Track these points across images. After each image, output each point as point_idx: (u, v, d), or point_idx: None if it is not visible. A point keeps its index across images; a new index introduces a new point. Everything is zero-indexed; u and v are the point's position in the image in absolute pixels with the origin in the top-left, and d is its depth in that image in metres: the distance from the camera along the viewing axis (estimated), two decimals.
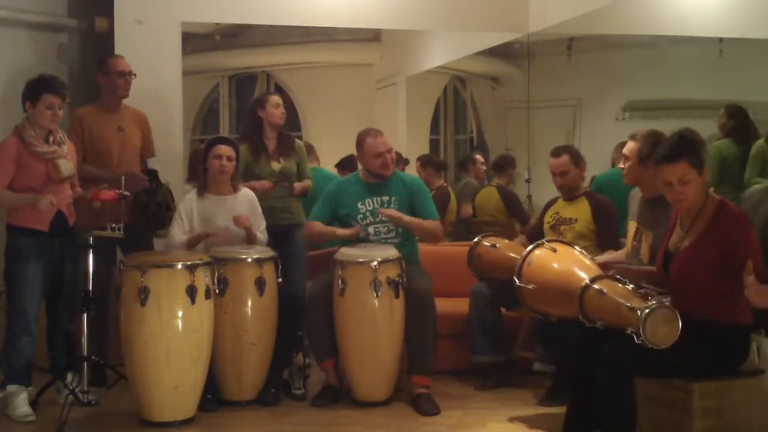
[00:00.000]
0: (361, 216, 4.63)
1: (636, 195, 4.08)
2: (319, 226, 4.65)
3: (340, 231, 4.60)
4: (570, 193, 4.66)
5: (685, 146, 3.36)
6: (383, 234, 4.63)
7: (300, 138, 5.58)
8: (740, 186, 4.90)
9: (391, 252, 4.42)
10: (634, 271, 3.65)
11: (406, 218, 4.56)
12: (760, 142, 5.10)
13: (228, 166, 4.57)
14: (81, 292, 4.37)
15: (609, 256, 4.24)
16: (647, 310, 3.15)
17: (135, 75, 5.00)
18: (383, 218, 4.59)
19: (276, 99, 5.10)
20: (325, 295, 4.44)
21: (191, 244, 4.51)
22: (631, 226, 4.00)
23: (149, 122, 5.15)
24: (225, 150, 4.57)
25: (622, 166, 4.09)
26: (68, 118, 4.78)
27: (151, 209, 4.78)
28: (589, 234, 4.50)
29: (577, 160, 4.64)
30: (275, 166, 5.03)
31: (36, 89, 4.20)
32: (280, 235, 4.89)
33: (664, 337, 3.16)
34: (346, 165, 6.32)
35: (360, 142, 4.66)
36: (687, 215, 3.45)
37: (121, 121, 4.96)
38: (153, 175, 4.90)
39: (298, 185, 5.05)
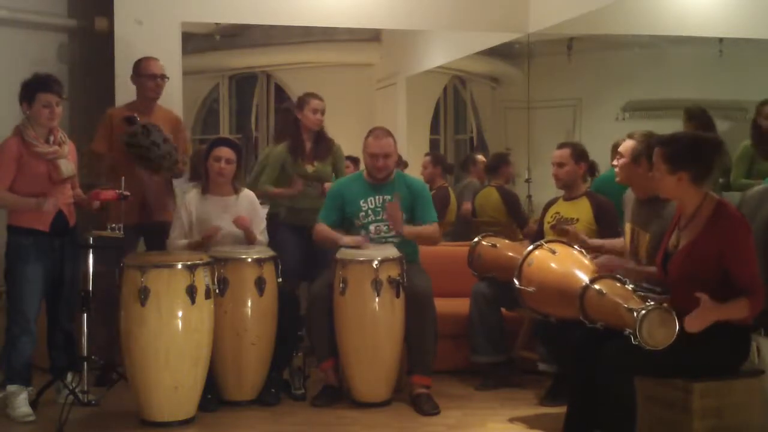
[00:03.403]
0: (363, 214, 4.64)
1: (630, 196, 4.10)
2: (326, 230, 4.65)
3: (344, 239, 4.56)
4: (569, 192, 4.67)
5: (685, 147, 3.38)
6: (384, 232, 4.64)
7: None
8: (722, 186, 4.89)
9: (392, 251, 4.42)
10: (636, 272, 3.66)
11: (405, 230, 4.54)
12: (747, 143, 5.10)
13: (227, 168, 4.57)
14: (81, 292, 4.37)
15: (606, 241, 4.24)
16: (644, 312, 3.15)
17: (168, 78, 5.04)
18: (385, 217, 4.60)
19: (316, 104, 5.07)
20: (325, 295, 4.44)
21: (196, 248, 4.49)
22: (627, 229, 4.01)
23: (182, 122, 5.20)
24: (225, 152, 4.57)
25: (615, 163, 4.09)
26: (69, 117, 4.78)
27: (143, 152, 4.71)
28: (591, 233, 4.49)
29: (579, 157, 4.65)
30: (309, 168, 5.05)
31: (31, 89, 4.20)
32: (310, 236, 4.88)
33: (661, 338, 3.16)
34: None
35: (366, 137, 4.67)
36: (685, 215, 3.46)
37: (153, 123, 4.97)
38: (128, 121, 4.81)
39: (327, 185, 5.02)
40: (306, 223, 4.89)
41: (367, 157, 4.66)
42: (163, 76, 5.01)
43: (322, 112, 5.07)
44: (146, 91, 4.99)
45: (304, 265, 4.96)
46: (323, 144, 5.11)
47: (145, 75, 4.98)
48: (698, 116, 5.17)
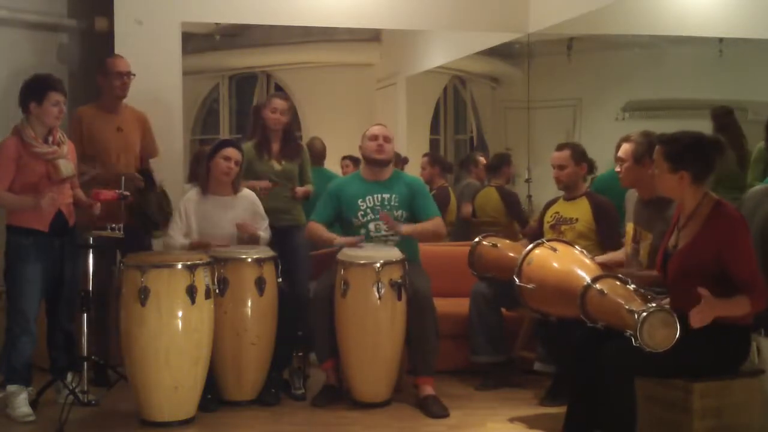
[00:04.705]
0: (362, 213, 4.64)
1: (632, 196, 4.09)
2: (320, 229, 4.65)
3: (339, 239, 4.57)
4: (569, 192, 4.67)
5: (687, 146, 3.39)
6: (383, 231, 4.63)
7: (300, 138, 5.57)
8: (738, 188, 4.89)
9: (395, 254, 4.41)
10: (637, 277, 3.66)
11: (405, 228, 4.54)
12: (761, 145, 5.08)
13: (234, 169, 4.58)
14: (81, 292, 4.37)
15: (609, 256, 4.24)
16: (645, 314, 3.15)
17: (134, 75, 5.00)
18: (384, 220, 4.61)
19: (275, 103, 5.01)
20: (326, 295, 4.44)
21: (191, 249, 4.50)
22: (629, 228, 4.01)
23: (150, 122, 5.15)
24: (234, 153, 4.59)
25: (618, 169, 4.09)
26: (69, 117, 4.78)
27: (143, 210, 4.78)
28: (590, 234, 4.50)
29: (579, 158, 4.65)
30: (276, 166, 5.02)
31: (40, 89, 4.20)
32: (281, 237, 4.89)
33: (662, 340, 3.16)
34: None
35: (365, 132, 4.71)
36: (684, 214, 3.46)
37: (121, 122, 4.96)
38: (147, 175, 4.90)
39: (300, 189, 5.01)
40: (276, 222, 4.87)
41: (367, 142, 4.66)
42: (130, 74, 4.99)
43: (282, 112, 4.98)
44: (113, 89, 4.94)
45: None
46: (292, 146, 5.06)
47: (112, 73, 4.93)
48: (717, 117, 5.17)
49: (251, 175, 4.94)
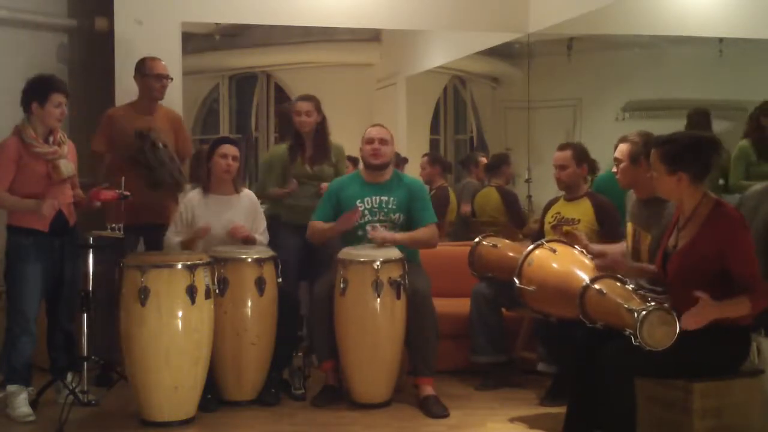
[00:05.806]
0: (360, 214, 4.63)
1: (632, 196, 4.09)
2: (319, 225, 4.65)
3: (337, 225, 4.54)
4: (570, 193, 4.67)
5: (684, 147, 3.38)
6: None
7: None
8: (715, 189, 4.90)
9: (394, 252, 4.41)
10: (636, 270, 3.67)
11: (398, 237, 4.54)
12: (743, 142, 5.08)
13: (233, 165, 4.59)
14: (81, 292, 4.37)
15: (607, 246, 4.23)
16: (644, 312, 3.15)
17: (172, 79, 5.03)
18: (382, 217, 4.61)
19: (298, 106, 5.05)
20: (326, 295, 4.43)
21: (187, 246, 4.49)
22: (630, 229, 4.01)
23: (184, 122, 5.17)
24: (231, 150, 4.59)
25: (615, 170, 4.09)
26: (69, 117, 4.78)
27: (148, 169, 4.75)
28: (592, 234, 4.48)
29: (580, 158, 4.64)
30: (308, 169, 5.04)
31: (44, 89, 4.21)
32: None
33: (661, 339, 3.16)
34: None
35: (364, 132, 4.70)
36: (683, 215, 3.46)
37: (153, 123, 4.95)
38: (140, 136, 4.81)
39: (325, 185, 5.00)
40: (305, 221, 4.89)
41: (363, 145, 4.66)
42: (168, 76, 5.01)
43: (307, 113, 5.01)
44: (152, 91, 4.98)
45: (305, 266, 4.95)
46: (322, 150, 5.07)
47: (152, 75, 4.97)
48: (692, 116, 5.17)
49: (282, 178, 5.00)
